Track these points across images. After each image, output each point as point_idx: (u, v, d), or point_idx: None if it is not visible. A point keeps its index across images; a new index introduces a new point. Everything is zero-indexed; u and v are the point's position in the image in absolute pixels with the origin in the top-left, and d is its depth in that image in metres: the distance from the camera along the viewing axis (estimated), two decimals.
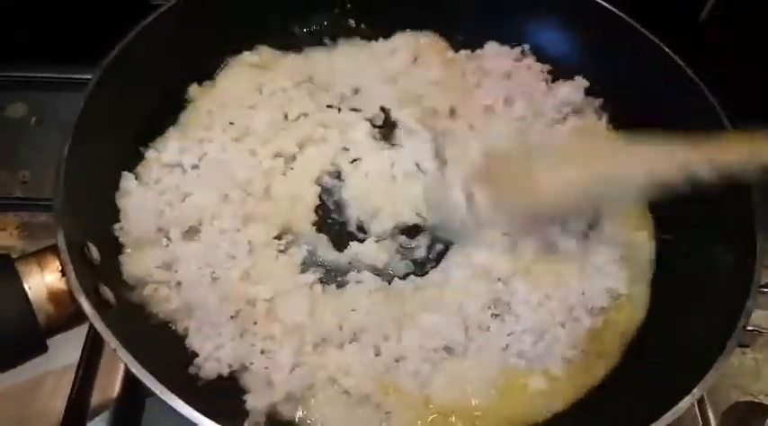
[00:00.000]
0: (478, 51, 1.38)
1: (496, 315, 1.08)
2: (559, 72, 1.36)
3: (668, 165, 0.95)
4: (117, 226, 1.07)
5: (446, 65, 1.36)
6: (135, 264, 1.05)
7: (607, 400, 1.02)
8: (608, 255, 1.13)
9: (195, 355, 1.00)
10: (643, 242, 1.18)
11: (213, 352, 0.99)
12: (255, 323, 1.03)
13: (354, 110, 1.30)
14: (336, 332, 1.04)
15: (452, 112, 1.30)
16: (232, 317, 1.02)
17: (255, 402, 0.97)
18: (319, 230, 1.17)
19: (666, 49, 1.24)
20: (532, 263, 1.11)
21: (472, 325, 1.06)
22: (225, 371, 0.99)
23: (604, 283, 1.11)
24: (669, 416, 0.86)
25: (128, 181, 1.11)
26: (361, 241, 1.16)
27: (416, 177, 1.22)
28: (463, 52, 1.38)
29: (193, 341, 1.00)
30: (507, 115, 1.29)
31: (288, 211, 1.17)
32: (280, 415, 0.98)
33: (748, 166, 0.91)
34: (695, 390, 0.88)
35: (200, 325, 1.01)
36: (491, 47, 1.38)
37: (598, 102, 1.31)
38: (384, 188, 1.21)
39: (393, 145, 1.26)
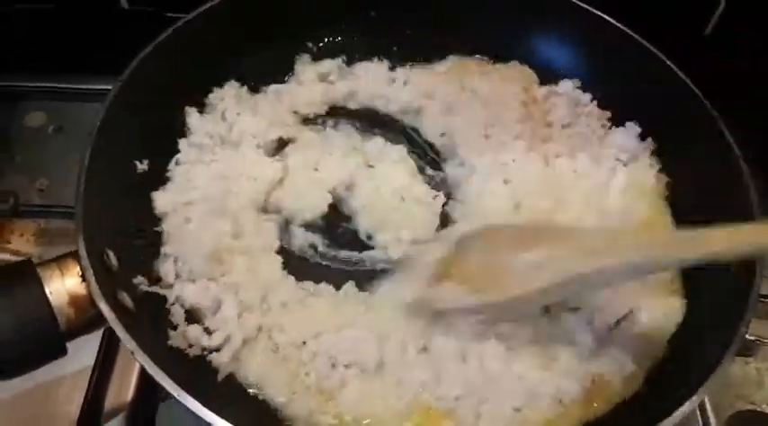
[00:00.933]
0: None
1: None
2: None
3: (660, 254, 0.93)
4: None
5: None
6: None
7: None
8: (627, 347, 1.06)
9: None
10: (676, 308, 1.10)
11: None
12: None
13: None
14: None
15: None
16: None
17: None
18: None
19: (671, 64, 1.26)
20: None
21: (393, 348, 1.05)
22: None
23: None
24: (668, 423, 0.87)
25: None
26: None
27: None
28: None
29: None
30: (567, 167, 1.25)
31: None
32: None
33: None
34: (694, 397, 0.89)
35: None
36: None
37: (650, 145, 1.28)
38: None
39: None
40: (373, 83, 1.37)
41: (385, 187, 1.23)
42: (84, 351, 1.14)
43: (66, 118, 1.50)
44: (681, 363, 1.02)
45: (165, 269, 1.07)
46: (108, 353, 1.16)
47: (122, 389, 1.15)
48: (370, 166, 1.25)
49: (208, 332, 1.03)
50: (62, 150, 1.43)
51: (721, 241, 0.87)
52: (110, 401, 1.14)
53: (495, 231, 1.09)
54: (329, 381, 1.01)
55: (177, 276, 1.08)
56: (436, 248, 1.11)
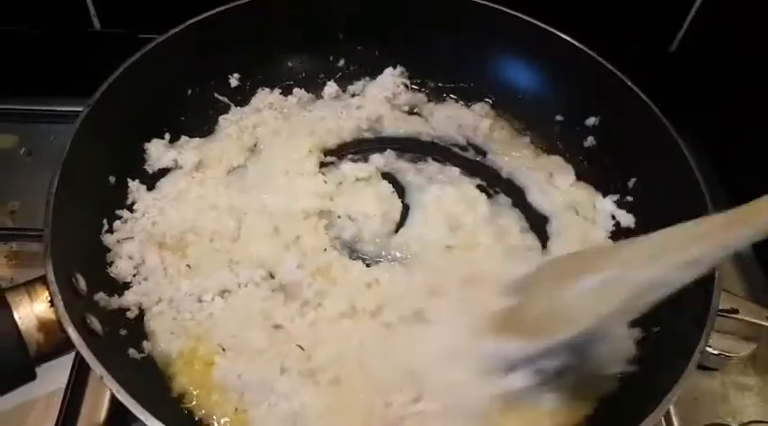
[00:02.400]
0: None
1: None
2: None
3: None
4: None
5: None
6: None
7: None
8: None
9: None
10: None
11: None
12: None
13: None
14: None
15: None
16: None
17: None
18: None
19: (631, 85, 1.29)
20: None
21: None
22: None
23: None
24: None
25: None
26: None
27: None
28: None
29: None
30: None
31: None
32: None
33: None
34: (655, 411, 0.91)
35: None
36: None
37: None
38: None
39: None
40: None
41: None
42: (56, 374, 1.12)
43: (39, 140, 1.49)
44: (642, 378, 1.04)
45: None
46: (79, 375, 1.14)
47: (94, 411, 1.14)
48: None
49: None
50: (34, 173, 1.42)
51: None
52: (82, 423, 1.13)
53: (544, 268, 1.08)
54: None
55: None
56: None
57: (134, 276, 1.13)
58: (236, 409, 1.02)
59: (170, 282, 1.13)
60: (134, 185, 1.22)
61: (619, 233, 1.28)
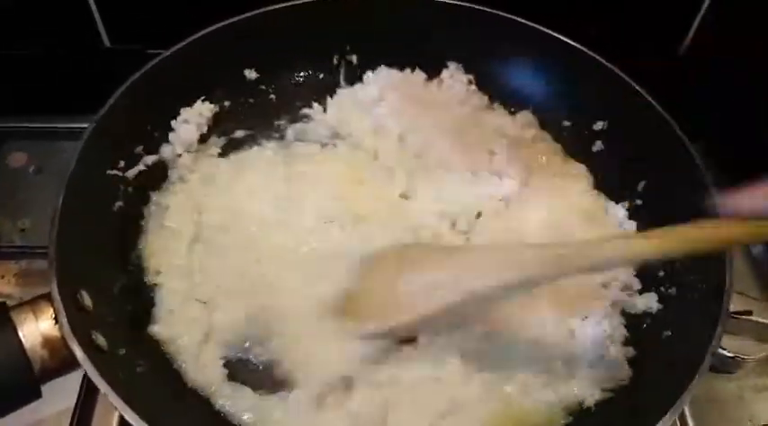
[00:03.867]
0: None
1: None
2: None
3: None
4: None
5: None
6: None
7: None
8: None
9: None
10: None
11: None
12: None
13: None
14: None
15: None
16: None
17: None
18: None
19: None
20: None
21: None
22: None
23: None
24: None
25: None
26: None
27: None
28: None
29: None
30: None
31: None
32: None
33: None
34: (667, 415, 0.89)
35: None
36: None
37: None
38: None
39: None
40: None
41: None
42: (64, 393, 1.12)
43: (49, 158, 1.50)
44: (653, 383, 1.03)
45: None
46: (88, 395, 1.15)
47: None
48: None
49: None
50: (43, 190, 1.43)
51: (611, 250, 0.90)
52: None
53: (385, 254, 1.08)
54: None
55: None
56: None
57: None
58: None
59: None
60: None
61: None
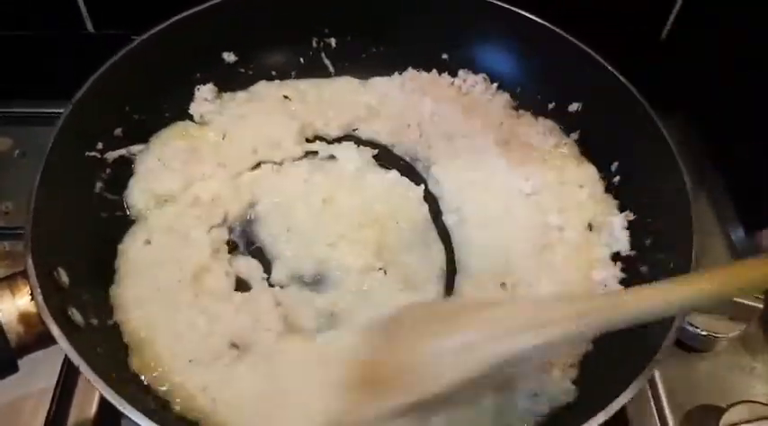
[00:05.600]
0: None
1: None
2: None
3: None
4: None
5: None
6: None
7: None
8: None
9: None
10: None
11: None
12: None
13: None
14: None
15: None
16: None
17: None
18: None
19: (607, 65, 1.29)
20: None
21: None
22: None
23: None
24: (609, 410, 0.89)
25: None
26: None
27: None
28: None
29: None
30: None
31: None
32: None
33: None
34: (632, 386, 0.91)
35: None
36: None
37: None
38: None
39: None
40: None
41: None
42: (46, 371, 1.15)
43: (33, 142, 1.51)
44: (620, 358, 1.03)
45: None
46: (70, 372, 1.16)
47: (85, 406, 1.15)
48: None
49: None
50: (27, 174, 1.41)
51: (651, 297, 0.82)
52: (72, 419, 1.14)
53: (400, 318, 0.94)
54: None
55: None
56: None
57: None
58: None
59: None
60: None
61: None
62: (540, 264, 1.20)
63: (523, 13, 1.34)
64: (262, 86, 1.43)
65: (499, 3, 1.35)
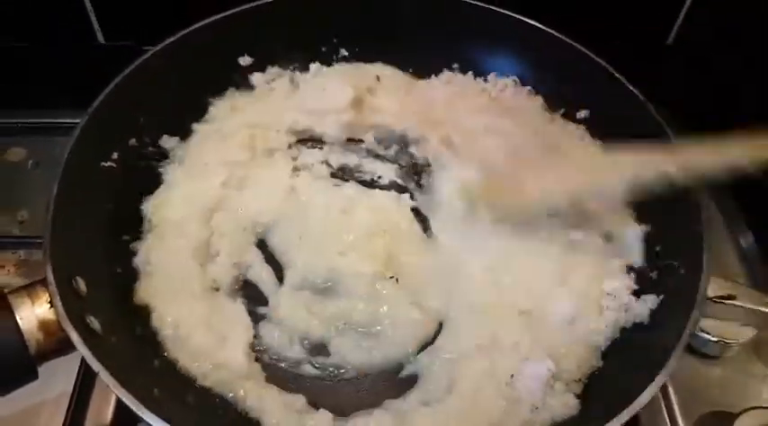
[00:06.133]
0: None
1: None
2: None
3: (646, 171, 1.06)
4: None
5: None
6: None
7: None
8: None
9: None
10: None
11: None
12: None
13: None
14: None
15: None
16: None
17: None
18: None
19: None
20: None
21: None
22: None
23: None
24: (624, 415, 0.90)
25: None
26: None
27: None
28: None
29: None
30: None
31: None
32: None
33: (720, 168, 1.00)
34: (645, 392, 0.91)
35: None
36: None
37: None
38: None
39: None
40: None
41: None
42: (63, 376, 1.16)
43: (46, 152, 1.53)
44: (634, 363, 1.04)
45: None
46: (86, 378, 1.18)
47: (101, 411, 1.17)
48: None
49: None
50: (41, 183, 1.44)
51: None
52: (89, 425, 1.15)
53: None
54: None
55: None
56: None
57: None
58: None
59: None
60: None
61: None
62: None
63: (531, 21, 1.37)
64: None
65: (506, 12, 1.38)
